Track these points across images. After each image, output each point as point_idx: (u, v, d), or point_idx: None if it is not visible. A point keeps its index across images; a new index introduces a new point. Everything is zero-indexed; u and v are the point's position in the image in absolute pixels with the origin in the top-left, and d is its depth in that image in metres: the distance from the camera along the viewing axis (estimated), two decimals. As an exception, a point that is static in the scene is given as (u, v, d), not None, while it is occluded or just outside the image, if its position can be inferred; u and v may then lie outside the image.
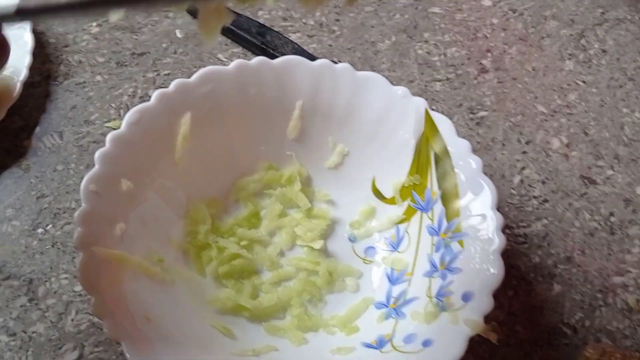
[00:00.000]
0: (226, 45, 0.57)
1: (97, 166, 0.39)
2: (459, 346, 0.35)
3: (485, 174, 0.40)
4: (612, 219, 0.48)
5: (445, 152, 0.42)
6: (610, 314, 0.44)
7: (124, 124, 0.40)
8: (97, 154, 0.39)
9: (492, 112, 0.54)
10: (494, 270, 0.37)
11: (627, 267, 0.46)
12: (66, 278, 0.44)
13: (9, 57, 0.28)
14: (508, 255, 0.46)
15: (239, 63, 0.43)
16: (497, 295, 0.37)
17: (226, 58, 0.56)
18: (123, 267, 0.38)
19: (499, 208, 0.39)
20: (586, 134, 0.53)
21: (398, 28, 0.59)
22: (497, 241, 0.38)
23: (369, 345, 0.39)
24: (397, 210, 0.45)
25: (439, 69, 0.57)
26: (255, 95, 0.44)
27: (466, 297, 0.37)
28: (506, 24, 0.60)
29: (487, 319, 0.36)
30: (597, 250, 0.47)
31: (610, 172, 0.51)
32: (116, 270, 0.37)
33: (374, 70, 0.55)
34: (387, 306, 0.41)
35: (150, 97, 0.49)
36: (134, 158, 0.40)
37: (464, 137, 0.50)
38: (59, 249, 0.45)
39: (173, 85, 0.42)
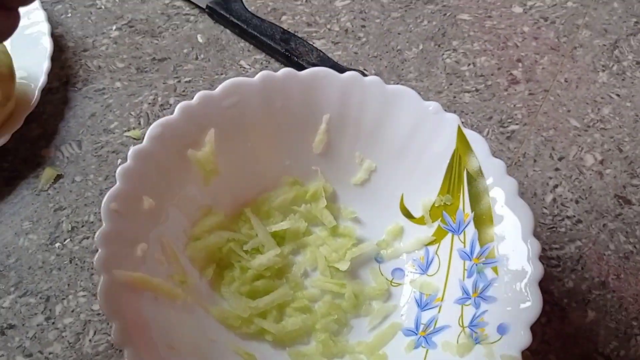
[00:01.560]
0: (249, 51, 0.55)
1: (118, 183, 0.37)
2: (495, 383, 0.33)
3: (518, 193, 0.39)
4: (649, 241, 0.47)
5: (479, 172, 0.40)
6: (647, 344, 0.42)
7: (146, 138, 0.39)
8: (118, 171, 0.37)
9: (524, 126, 0.52)
10: (531, 302, 0.35)
11: (664, 293, 0.44)
12: (84, 296, 0.42)
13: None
14: (541, 280, 0.44)
15: (264, 75, 0.42)
16: (529, 322, 0.35)
17: (249, 65, 0.54)
18: (144, 290, 0.36)
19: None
20: (621, 150, 0.51)
21: (425, 35, 0.57)
22: (534, 270, 0.36)
23: (398, 376, 0.37)
24: (426, 231, 0.43)
25: (468, 79, 0.55)
26: (281, 108, 0.43)
27: (502, 330, 0.36)
28: (537, 32, 0.58)
29: (521, 349, 0.34)
30: (633, 275, 0.45)
31: (646, 191, 0.49)
32: (137, 294, 0.36)
33: (400, 80, 0.54)
34: (416, 333, 0.40)
35: (170, 104, 0.48)
36: (156, 174, 0.39)
37: (494, 152, 0.48)
38: (77, 264, 0.43)
39: (197, 97, 0.41)
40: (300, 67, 0.48)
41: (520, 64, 0.56)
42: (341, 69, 0.46)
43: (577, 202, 0.48)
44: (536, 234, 0.46)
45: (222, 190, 0.43)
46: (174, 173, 0.40)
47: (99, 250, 0.35)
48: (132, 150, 0.38)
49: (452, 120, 0.41)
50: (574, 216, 0.47)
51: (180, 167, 0.40)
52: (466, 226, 0.41)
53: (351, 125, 0.44)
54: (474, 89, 0.54)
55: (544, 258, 0.45)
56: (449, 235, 0.42)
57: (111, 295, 0.34)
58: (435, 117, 0.42)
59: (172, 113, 0.40)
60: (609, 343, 0.42)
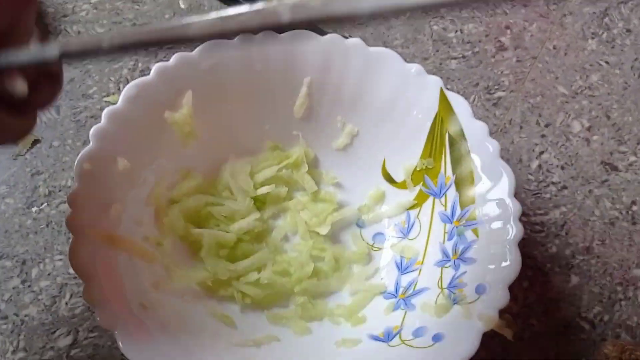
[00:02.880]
0: (232, 17, 0.54)
1: (91, 143, 0.37)
2: (472, 342, 0.33)
3: (502, 158, 0.38)
4: (635, 207, 0.46)
5: (461, 134, 0.40)
6: (630, 309, 0.42)
7: (121, 98, 0.38)
8: (92, 131, 0.37)
9: (510, 93, 0.51)
10: (510, 262, 0.35)
11: (649, 259, 0.44)
12: (61, 260, 0.42)
13: (62, 88, 0.26)
14: (524, 245, 0.43)
15: (243, 36, 0.41)
16: (512, 286, 0.35)
17: (232, 31, 0.53)
18: (118, 250, 0.36)
19: (515, 194, 0.37)
20: (608, 117, 0.50)
21: (413, 2, 0.56)
22: (514, 231, 0.36)
23: (376, 338, 0.37)
24: (408, 196, 0.42)
25: (455, 46, 0.54)
26: (261, 70, 0.42)
27: (480, 290, 0.35)
28: None
29: (501, 312, 0.34)
30: (618, 241, 0.44)
31: (633, 158, 0.48)
32: (111, 253, 0.35)
33: (386, 47, 0.53)
34: (395, 296, 0.39)
35: (151, 70, 0.47)
36: (131, 135, 0.38)
37: (480, 119, 0.47)
38: (53, 228, 0.43)
39: (174, 58, 0.40)
40: (281, 31, 0.47)
41: (508, 31, 0.55)
42: (323, 34, 0.45)
43: (562, 168, 0.47)
44: (520, 200, 0.45)
45: (200, 153, 0.42)
46: (150, 135, 0.39)
47: (71, 210, 0.34)
48: (106, 110, 0.38)
49: (435, 82, 0.41)
50: (559, 182, 0.47)
51: (156, 129, 0.40)
52: (447, 189, 0.40)
53: (333, 88, 0.43)
54: (460, 55, 0.53)
55: (527, 224, 0.45)
56: (430, 198, 0.41)
57: (82, 254, 0.34)
58: (417, 80, 0.41)
59: (151, 76, 0.39)
60: (592, 308, 0.42)
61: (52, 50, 0.22)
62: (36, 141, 0.46)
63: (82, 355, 0.39)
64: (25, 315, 0.40)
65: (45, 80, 0.25)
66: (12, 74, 0.23)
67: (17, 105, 0.24)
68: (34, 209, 0.44)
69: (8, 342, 0.39)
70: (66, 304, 0.40)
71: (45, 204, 0.44)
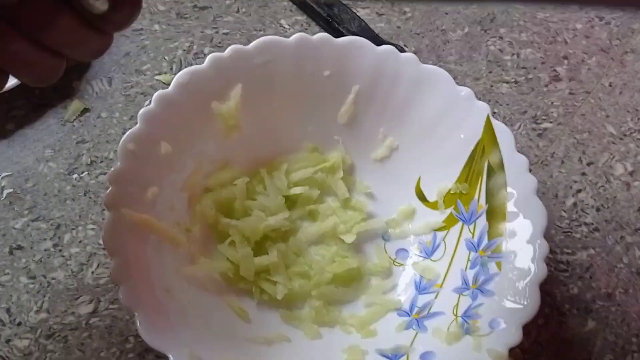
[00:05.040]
0: (291, 11, 0.55)
1: (138, 124, 0.38)
2: (477, 376, 0.33)
3: (538, 191, 0.38)
4: (665, 261, 0.45)
5: (501, 165, 0.40)
6: (643, 363, 0.42)
7: (172, 84, 0.39)
8: (140, 112, 0.38)
9: (557, 125, 0.51)
10: (528, 302, 0.35)
11: (671, 316, 0.43)
12: (93, 229, 0.43)
13: (140, 10, 0.26)
14: (545, 282, 0.43)
15: (300, 37, 0.41)
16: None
17: (289, 25, 0.54)
18: (149, 232, 0.37)
19: (545, 231, 0.37)
20: (654, 164, 0.49)
21: (473, 19, 0.56)
22: (537, 271, 0.36)
23: (383, 354, 0.37)
24: (437, 217, 0.43)
25: (509, 69, 0.53)
26: (312, 73, 0.42)
27: (494, 325, 0.35)
28: (590, 31, 0.56)
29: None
30: (642, 292, 0.44)
31: (672, 210, 0.47)
32: (142, 235, 0.36)
33: (439, 61, 0.53)
34: (409, 315, 0.40)
35: (204, 54, 0.48)
36: (177, 121, 0.39)
37: (522, 148, 0.47)
38: (90, 198, 0.44)
39: (229, 50, 0.40)
40: (339, 35, 0.47)
41: (565, 61, 0.54)
42: (380, 42, 0.46)
43: (598, 210, 0.47)
44: (550, 236, 0.45)
45: (240, 147, 0.43)
46: (195, 123, 0.40)
47: (110, 187, 0.35)
48: (157, 94, 0.38)
49: (482, 108, 0.40)
50: (592, 224, 0.46)
51: (202, 118, 0.40)
52: (478, 217, 0.40)
53: (379, 100, 0.43)
54: (513, 80, 0.53)
55: (553, 261, 0.45)
56: (459, 224, 0.41)
57: (115, 232, 0.35)
58: (465, 104, 0.41)
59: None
60: (604, 355, 0.42)
61: None
62: (85, 110, 0.48)
63: (100, 324, 0.40)
64: (53, 278, 0.42)
65: (125, 1, 0.26)
66: None
67: (96, 21, 0.25)
68: (74, 176, 0.45)
69: (33, 301, 0.41)
70: (92, 272, 0.42)
71: (86, 172, 0.45)
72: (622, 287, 0.44)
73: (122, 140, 0.37)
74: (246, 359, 0.35)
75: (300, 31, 0.51)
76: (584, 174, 0.48)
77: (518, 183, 0.39)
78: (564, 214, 0.47)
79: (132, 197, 0.36)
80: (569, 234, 0.46)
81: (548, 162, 0.49)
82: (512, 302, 0.36)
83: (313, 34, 0.41)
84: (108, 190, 0.35)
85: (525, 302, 0.35)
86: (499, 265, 0.38)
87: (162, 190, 0.38)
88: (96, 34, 0.26)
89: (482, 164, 0.41)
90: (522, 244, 0.37)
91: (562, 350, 0.42)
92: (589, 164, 0.49)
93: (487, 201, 0.40)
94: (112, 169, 0.36)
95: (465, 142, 0.41)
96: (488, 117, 0.40)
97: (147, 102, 0.48)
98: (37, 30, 0.25)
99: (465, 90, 0.41)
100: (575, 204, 0.47)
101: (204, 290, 0.38)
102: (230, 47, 0.40)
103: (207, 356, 0.34)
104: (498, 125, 0.40)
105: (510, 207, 0.39)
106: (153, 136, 0.38)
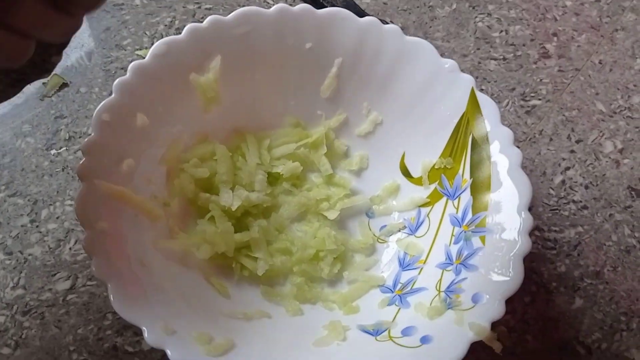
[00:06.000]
0: (276, -13, 0.54)
1: (113, 95, 0.37)
2: (459, 350, 0.32)
3: (526, 168, 0.37)
4: (654, 238, 0.45)
5: (485, 138, 0.39)
6: (631, 340, 0.41)
7: (149, 54, 0.38)
8: (115, 83, 0.37)
9: (546, 102, 0.50)
10: (512, 276, 0.34)
11: (660, 293, 0.43)
12: (71, 205, 0.42)
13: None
14: (532, 259, 0.43)
15: (280, 8, 0.40)
16: (512, 299, 0.34)
17: (273, 1, 0.53)
18: (125, 205, 0.36)
19: (532, 208, 0.36)
20: (644, 142, 0.48)
21: (461, -5, 0.55)
22: (521, 244, 0.35)
23: (364, 330, 0.37)
24: (422, 192, 0.42)
25: (497, 46, 0.52)
26: (293, 45, 0.41)
27: (476, 299, 0.35)
28: (580, 8, 0.55)
29: (496, 323, 0.33)
30: (630, 270, 0.43)
31: (662, 187, 0.47)
32: (118, 207, 0.36)
33: (427, 37, 0.52)
34: (392, 291, 0.39)
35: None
36: (154, 93, 0.38)
37: (509, 125, 0.46)
38: (68, 173, 0.43)
39: (207, 21, 0.39)
40: (320, 7, 0.46)
41: (555, 38, 0.53)
42: (362, 16, 0.45)
43: (586, 187, 0.46)
44: (537, 214, 0.44)
45: (221, 120, 0.42)
46: (173, 95, 0.39)
47: (84, 158, 0.35)
48: (132, 64, 0.37)
49: (467, 81, 0.40)
50: (581, 201, 0.46)
51: (180, 89, 0.39)
52: (462, 192, 0.40)
53: (363, 73, 0.42)
54: (501, 57, 0.52)
55: (540, 239, 0.44)
56: (444, 199, 0.41)
57: (88, 203, 0.34)
58: (449, 76, 0.40)
59: (184, 35, 0.39)
60: (592, 334, 0.41)
61: None
62: (64, 85, 0.47)
63: (78, 301, 0.39)
64: (29, 255, 0.41)
65: None
66: None
67: (63, 3, 0.25)
68: (52, 152, 0.44)
69: (9, 277, 0.40)
70: (70, 249, 0.41)
71: (64, 148, 0.44)
72: (610, 265, 0.43)
73: (96, 110, 0.36)
74: (224, 333, 0.34)
75: (284, 6, 0.50)
76: (572, 151, 0.48)
77: (502, 156, 0.38)
78: (552, 191, 0.46)
79: (106, 168, 0.36)
80: (557, 211, 0.45)
81: (536, 140, 0.48)
82: (496, 276, 0.35)
83: (297, 7, 0.40)
84: (82, 161, 0.34)
85: (509, 276, 0.34)
86: (482, 239, 0.37)
87: (138, 163, 0.37)
88: (63, 16, 0.26)
89: (466, 137, 0.40)
90: (507, 217, 0.36)
91: (548, 328, 0.41)
92: (577, 142, 0.48)
93: (471, 175, 0.39)
94: (86, 139, 0.35)
95: (449, 116, 0.40)
96: (472, 89, 0.39)
97: (127, 78, 0.47)
98: (2, 13, 0.24)
99: (449, 63, 0.40)
100: (563, 182, 0.46)
101: (182, 265, 0.38)
102: (209, 18, 0.39)
103: (183, 330, 0.33)
104: (482, 97, 0.39)
105: (495, 180, 0.38)
106: (128, 107, 0.37)
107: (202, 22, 0.39)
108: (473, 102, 0.39)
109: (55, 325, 0.39)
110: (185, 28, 0.39)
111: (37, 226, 0.42)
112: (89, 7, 0.27)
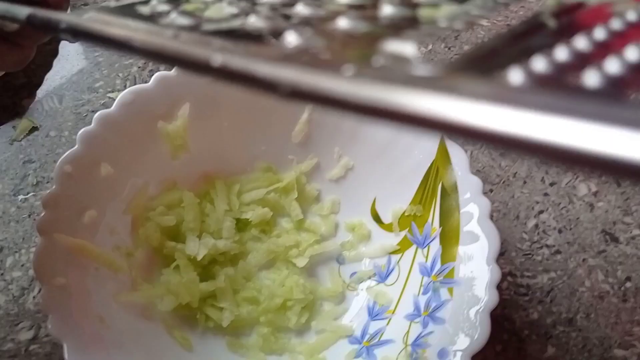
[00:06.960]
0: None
1: (77, 145, 0.36)
2: (424, 408, 0.32)
3: (499, 212, 0.37)
4: (628, 284, 0.44)
5: (454, 188, 0.39)
6: (602, 392, 0.40)
7: (115, 103, 0.38)
8: (80, 133, 0.36)
9: (520, 144, 0.49)
10: (478, 332, 0.34)
11: (633, 341, 0.42)
12: (36, 252, 0.42)
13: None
14: (504, 306, 0.42)
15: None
16: (483, 348, 0.33)
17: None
18: (86, 258, 0.35)
19: (505, 252, 0.36)
20: (619, 184, 0.48)
21: (437, 35, 0.55)
22: (488, 299, 0.35)
23: (330, 384, 0.36)
24: (392, 239, 0.41)
25: (473, 87, 0.52)
26: (263, 91, 0.41)
27: (442, 355, 0.34)
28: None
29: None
30: (604, 317, 0.43)
31: (637, 231, 0.46)
32: (78, 261, 0.35)
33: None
34: (360, 342, 0.38)
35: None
36: (120, 142, 0.38)
37: (483, 168, 0.46)
38: (34, 220, 0.43)
39: (176, 69, 0.39)
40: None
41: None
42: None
43: (560, 231, 0.46)
44: (510, 259, 0.44)
45: (189, 167, 0.41)
46: (140, 143, 0.39)
47: (43, 212, 0.34)
48: (97, 114, 0.37)
49: (437, 129, 0.39)
50: (554, 246, 0.45)
51: (147, 138, 0.39)
52: (431, 241, 0.39)
53: (334, 118, 0.42)
54: (476, 98, 0.52)
55: (512, 284, 0.43)
56: (414, 247, 0.40)
57: (46, 259, 0.34)
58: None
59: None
60: (564, 383, 0.41)
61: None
62: (34, 129, 0.46)
63: (40, 352, 0.39)
64: (-8, 303, 0.40)
65: None
66: None
67: (11, 37, 0.26)
68: (20, 197, 0.44)
69: (-29, 327, 0.39)
70: (34, 297, 0.40)
71: (32, 193, 0.44)
72: (583, 312, 0.43)
73: (58, 162, 0.35)
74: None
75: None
76: (546, 194, 0.47)
77: (472, 206, 0.38)
78: (525, 235, 0.46)
79: (68, 221, 0.35)
80: (530, 256, 0.45)
81: (510, 182, 0.48)
82: (462, 332, 0.34)
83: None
84: (41, 215, 0.34)
85: (475, 332, 0.34)
86: (450, 291, 0.37)
87: (103, 214, 0.37)
88: (12, 48, 0.26)
89: (436, 185, 0.40)
90: (475, 268, 0.36)
91: (520, 378, 0.40)
92: (551, 184, 0.48)
93: (440, 224, 0.39)
94: (47, 192, 0.34)
95: (419, 163, 0.40)
96: (442, 137, 0.39)
97: (97, 121, 0.47)
98: None
99: (420, 110, 0.40)
100: (537, 225, 0.46)
101: (144, 318, 0.37)
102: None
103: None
104: (452, 146, 0.39)
105: (463, 230, 0.37)
106: (92, 158, 0.37)
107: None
108: (442, 150, 0.39)
109: (17, 377, 0.38)
110: (154, 77, 0.39)
111: (1, 274, 0.41)
112: (37, 40, 0.27)
